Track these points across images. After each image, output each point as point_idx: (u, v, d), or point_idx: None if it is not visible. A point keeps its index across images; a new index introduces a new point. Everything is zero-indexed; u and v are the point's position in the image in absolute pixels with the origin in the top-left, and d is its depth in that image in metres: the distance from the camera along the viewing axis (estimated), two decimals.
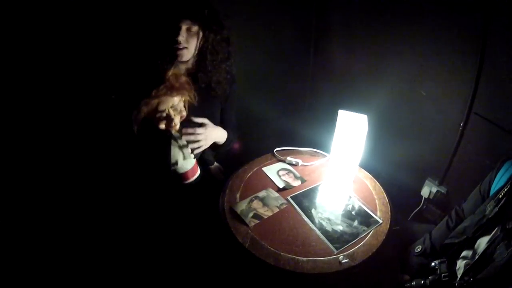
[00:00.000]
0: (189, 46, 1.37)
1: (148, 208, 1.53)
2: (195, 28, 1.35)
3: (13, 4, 1.38)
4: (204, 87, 1.47)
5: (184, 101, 1.28)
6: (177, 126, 1.29)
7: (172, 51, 1.36)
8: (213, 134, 1.47)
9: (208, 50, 1.42)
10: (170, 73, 1.22)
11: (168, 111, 1.23)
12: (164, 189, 1.44)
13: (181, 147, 1.34)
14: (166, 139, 1.31)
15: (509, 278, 1.00)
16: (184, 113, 1.29)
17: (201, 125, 1.43)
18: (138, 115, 1.22)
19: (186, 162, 1.35)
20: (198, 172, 1.41)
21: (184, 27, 1.32)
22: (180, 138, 1.34)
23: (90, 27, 1.54)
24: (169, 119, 1.25)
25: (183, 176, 1.36)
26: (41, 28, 1.46)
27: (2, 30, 1.39)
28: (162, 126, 1.26)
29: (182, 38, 1.33)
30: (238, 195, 1.41)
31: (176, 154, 1.33)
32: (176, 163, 1.33)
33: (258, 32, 2.06)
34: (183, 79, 1.26)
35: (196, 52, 1.41)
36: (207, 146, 1.46)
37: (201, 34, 1.37)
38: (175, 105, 1.25)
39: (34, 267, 1.53)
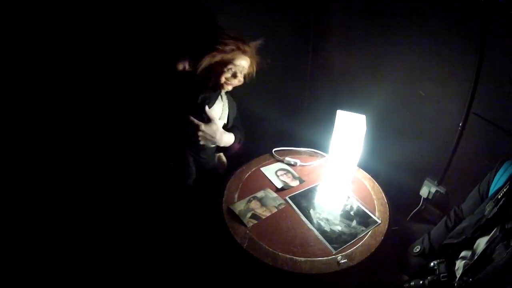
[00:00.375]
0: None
1: (147, 208, 1.53)
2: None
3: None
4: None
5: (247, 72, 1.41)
6: (230, 87, 1.40)
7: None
8: (222, 137, 1.46)
9: None
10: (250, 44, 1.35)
11: (236, 69, 1.33)
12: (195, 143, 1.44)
13: (223, 108, 1.42)
14: (215, 94, 1.41)
15: (508, 279, 0.99)
16: (242, 81, 1.39)
17: (207, 120, 1.41)
18: (208, 59, 1.28)
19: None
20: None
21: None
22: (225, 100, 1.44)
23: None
24: (234, 76, 1.35)
25: None
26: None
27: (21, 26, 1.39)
28: (223, 79, 1.35)
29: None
30: (236, 195, 1.41)
31: (218, 111, 1.43)
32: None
33: (257, 32, 2.05)
34: (255, 54, 1.39)
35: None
36: (207, 145, 1.45)
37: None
38: (245, 68, 1.37)
39: (34, 267, 1.52)
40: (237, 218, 1.28)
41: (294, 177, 1.54)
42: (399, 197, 1.65)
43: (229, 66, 1.33)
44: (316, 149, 1.73)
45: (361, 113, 1.50)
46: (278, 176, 1.53)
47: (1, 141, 1.48)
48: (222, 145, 1.51)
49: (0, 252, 1.50)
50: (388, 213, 1.36)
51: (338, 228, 1.27)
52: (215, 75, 1.36)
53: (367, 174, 1.60)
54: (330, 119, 1.52)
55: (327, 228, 1.27)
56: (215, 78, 1.36)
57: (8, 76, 1.40)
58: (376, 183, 1.54)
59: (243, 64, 1.36)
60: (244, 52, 1.34)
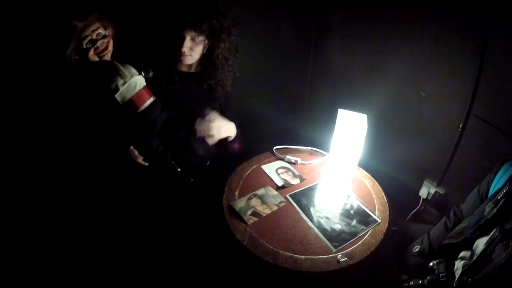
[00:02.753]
0: (193, 54, 1.36)
1: (146, 204, 1.53)
2: (201, 38, 1.33)
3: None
4: (205, 89, 1.47)
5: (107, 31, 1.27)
6: (108, 52, 1.26)
7: (175, 57, 1.36)
8: (224, 128, 1.48)
9: (218, 59, 1.41)
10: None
11: (91, 35, 1.21)
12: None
13: (116, 71, 1.24)
14: (100, 67, 1.25)
15: (507, 279, 1.00)
16: (110, 42, 1.26)
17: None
18: (70, 51, 1.19)
19: (129, 86, 1.25)
20: (151, 98, 1.31)
21: (188, 37, 1.30)
22: (115, 62, 1.27)
23: None
24: (94, 43, 1.22)
25: (133, 104, 1.27)
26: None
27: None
28: (91, 54, 1.22)
29: (186, 48, 1.32)
30: (236, 193, 1.40)
31: (115, 79, 1.24)
32: (116, 88, 1.23)
33: (259, 31, 2.06)
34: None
35: (200, 57, 1.41)
36: (217, 138, 1.47)
37: (206, 42, 1.36)
38: (97, 29, 1.22)
39: (34, 267, 1.52)
40: (237, 215, 1.28)
41: (295, 175, 1.54)
42: (398, 197, 1.65)
43: (84, 42, 1.21)
44: (317, 148, 1.73)
45: (362, 113, 1.50)
46: (278, 174, 1.53)
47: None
48: (231, 135, 1.53)
49: None
50: (388, 213, 1.36)
51: (338, 226, 1.27)
52: (87, 57, 1.25)
53: (367, 173, 1.60)
54: (331, 118, 1.52)
55: (327, 227, 1.27)
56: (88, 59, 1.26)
57: None
58: (376, 183, 1.54)
59: (92, 27, 1.22)
60: (82, 25, 1.21)
